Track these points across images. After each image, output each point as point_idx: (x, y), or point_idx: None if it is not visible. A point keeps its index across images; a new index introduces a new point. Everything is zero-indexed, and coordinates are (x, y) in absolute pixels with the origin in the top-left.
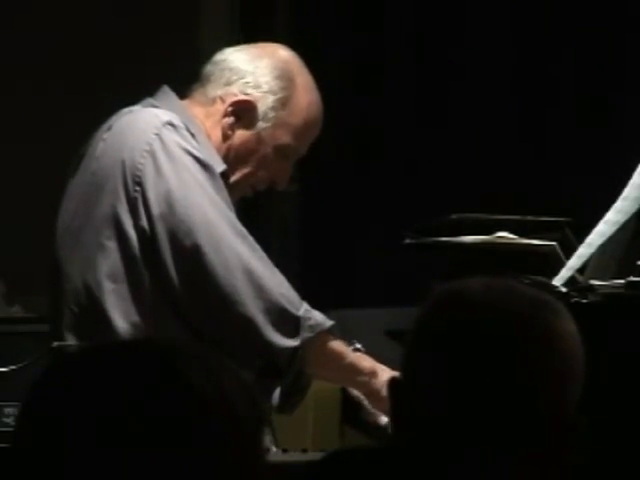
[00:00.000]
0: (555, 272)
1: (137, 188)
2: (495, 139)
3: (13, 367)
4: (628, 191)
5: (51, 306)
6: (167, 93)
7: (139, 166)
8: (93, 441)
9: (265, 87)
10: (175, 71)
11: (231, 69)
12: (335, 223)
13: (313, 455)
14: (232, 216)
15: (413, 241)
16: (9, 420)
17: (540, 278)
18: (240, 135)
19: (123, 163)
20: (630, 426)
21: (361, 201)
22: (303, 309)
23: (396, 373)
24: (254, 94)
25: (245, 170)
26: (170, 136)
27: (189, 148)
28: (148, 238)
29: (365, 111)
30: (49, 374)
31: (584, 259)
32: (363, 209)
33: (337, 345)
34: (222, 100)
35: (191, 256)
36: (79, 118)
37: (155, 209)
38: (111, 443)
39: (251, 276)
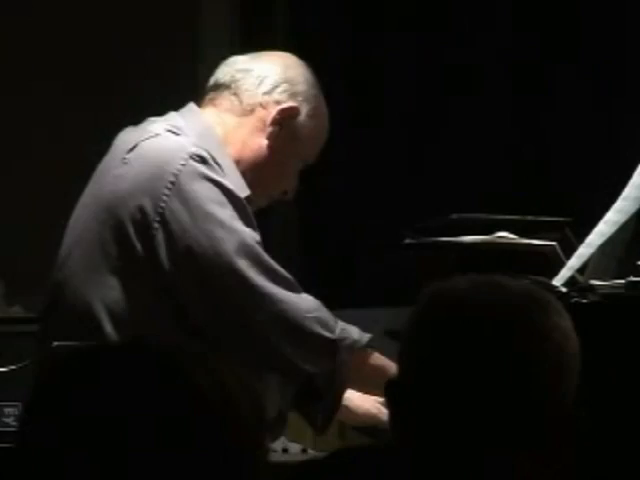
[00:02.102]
0: (555, 272)
1: (158, 219)
2: (495, 139)
3: (13, 367)
4: (628, 191)
5: (48, 308)
6: (193, 111)
7: (163, 197)
8: (94, 441)
9: (301, 96)
10: (175, 71)
11: (266, 76)
12: (335, 223)
13: (313, 455)
14: (255, 248)
15: (413, 241)
16: (9, 420)
17: (540, 278)
18: (282, 142)
19: (145, 191)
20: (631, 426)
21: (361, 201)
22: (339, 329)
23: None
24: (293, 103)
25: (281, 177)
26: (196, 168)
27: (217, 178)
28: (165, 269)
29: (365, 111)
30: (50, 374)
31: (584, 259)
32: (363, 208)
33: (376, 359)
34: (264, 107)
35: (219, 295)
36: (79, 118)
37: (180, 243)
38: (112, 443)
39: (280, 312)
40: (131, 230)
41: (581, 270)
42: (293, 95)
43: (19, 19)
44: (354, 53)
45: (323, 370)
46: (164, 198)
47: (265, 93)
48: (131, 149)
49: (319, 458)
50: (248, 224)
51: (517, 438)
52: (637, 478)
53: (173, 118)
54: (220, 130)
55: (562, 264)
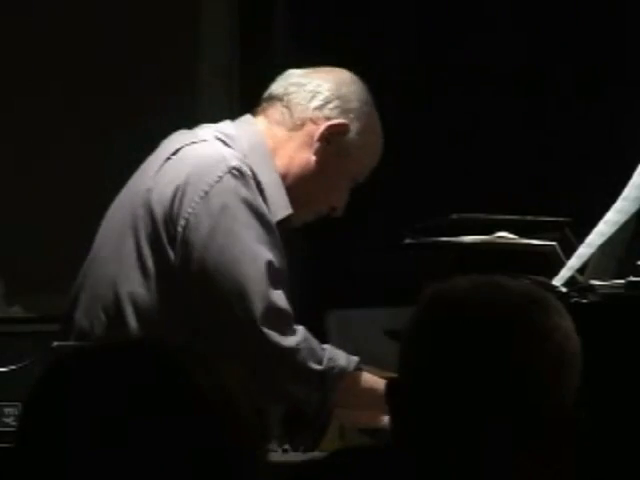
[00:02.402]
0: (555, 272)
1: (183, 223)
2: (495, 139)
3: (13, 367)
4: (628, 191)
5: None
6: (247, 122)
7: (192, 204)
8: (94, 441)
9: (353, 113)
10: (175, 70)
11: (319, 92)
12: (335, 223)
13: (313, 455)
14: (264, 277)
15: (413, 241)
16: (9, 420)
17: (540, 278)
18: (329, 159)
19: (177, 194)
20: (630, 426)
21: (361, 201)
22: (326, 359)
23: None
24: (344, 120)
25: (328, 193)
26: (232, 184)
27: (250, 198)
28: (178, 274)
29: None
30: (50, 374)
31: (584, 259)
32: (363, 209)
33: (365, 382)
34: (314, 123)
35: (216, 308)
36: (77, 119)
37: (196, 252)
38: (112, 443)
39: (272, 346)
40: (162, 230)
41: (581, 270)
42: (344, 112)
43: (19, 19)
44: (354, 53)
45: (312, 399)
46: (193, 205)
47: (316, 108)
48: (176, 151)
49: (319, 458)
50: (272, 249)
51: (517, 438)
52: (637, 478)
53: (227, 126)
54: (270, 142)
55: (562, 264)
